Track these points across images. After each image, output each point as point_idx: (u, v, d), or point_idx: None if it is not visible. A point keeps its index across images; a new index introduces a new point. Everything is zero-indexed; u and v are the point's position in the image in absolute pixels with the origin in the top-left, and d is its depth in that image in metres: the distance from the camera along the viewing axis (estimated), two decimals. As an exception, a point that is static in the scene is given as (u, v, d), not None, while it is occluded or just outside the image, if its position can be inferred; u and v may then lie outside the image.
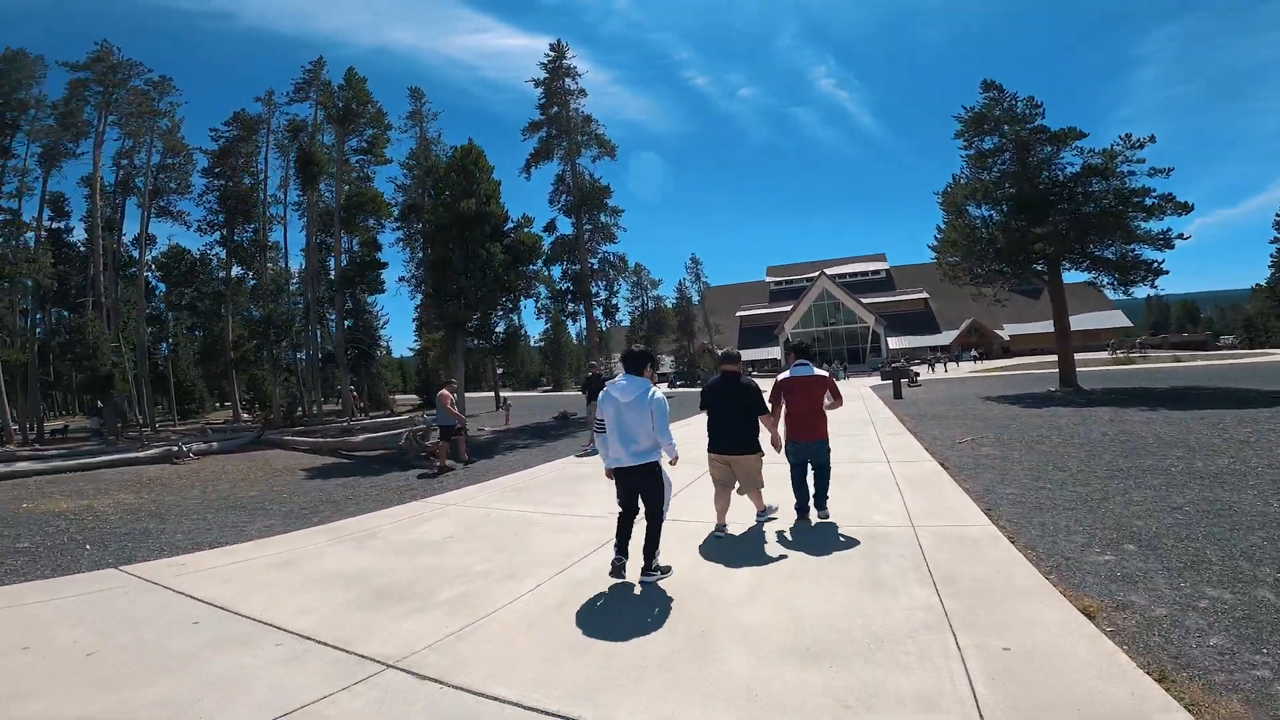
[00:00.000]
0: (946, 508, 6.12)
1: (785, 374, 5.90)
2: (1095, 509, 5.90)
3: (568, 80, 31.44)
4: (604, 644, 3.53)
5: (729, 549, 5.28)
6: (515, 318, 23.64)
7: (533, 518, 6.90)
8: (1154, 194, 19.22)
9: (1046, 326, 69.19)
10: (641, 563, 4.45)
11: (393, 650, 3.56)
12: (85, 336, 23.13)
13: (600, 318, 25.44)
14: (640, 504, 4.57)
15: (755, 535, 5.66)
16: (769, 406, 5.64)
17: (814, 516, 5.85)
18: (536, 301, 22.77)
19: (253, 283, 30.37)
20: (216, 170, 33.10)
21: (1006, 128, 22.17)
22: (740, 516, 5.97)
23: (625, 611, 4.03)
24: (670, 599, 4.16)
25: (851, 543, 5.19)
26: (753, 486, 5.64)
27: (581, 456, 11.69)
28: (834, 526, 5.67)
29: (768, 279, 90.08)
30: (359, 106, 29.39)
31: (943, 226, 23.75)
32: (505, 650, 3.51)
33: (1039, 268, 21.78)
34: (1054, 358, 53.94)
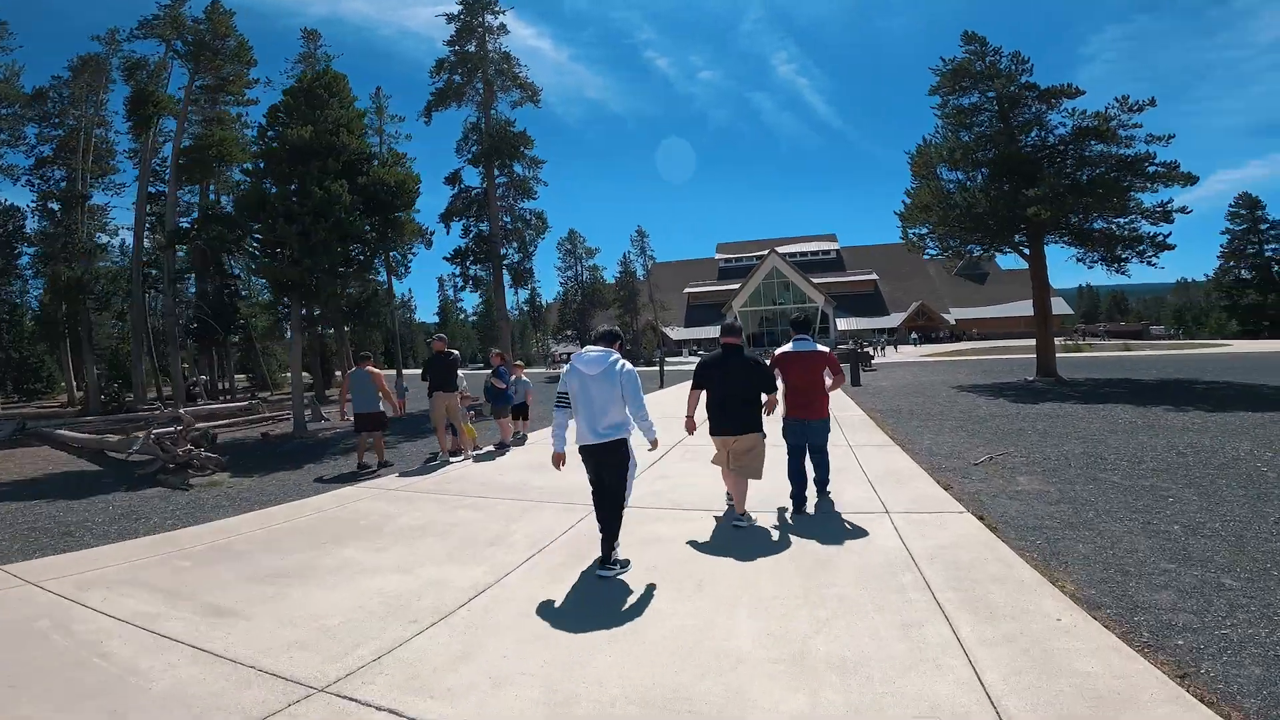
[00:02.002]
0: (1086, 690, 2.48)
1: (784, 348, 5.39)
2: None
3: (488, 16, 26.66)
4: None
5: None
6: (376, 277, 19.10)
7: (82, 664, 2.95)
8: (1156, 161, 16.53)
9: (991, 311, 69.00)
10: (599, 554, 4.06)
11: None
12: None
13: (509, 282, 21.21)
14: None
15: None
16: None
17: (810, 508, 5.23)
18: (404, 255, 18.43)
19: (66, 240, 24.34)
20: (55, 119, 26.93)
21: (989, 83, 19.11)
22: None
23: None
24: None
25: None
26: (747, 472, 4.87)
27: (405, 476, 7.74)
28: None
29: (717, 256, 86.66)
30: (218, 40, 23.76)
31: (912, 191, 20.61)
32: None
33: (1019, 238, 18.91)
34: (1000, 343, 53.17)
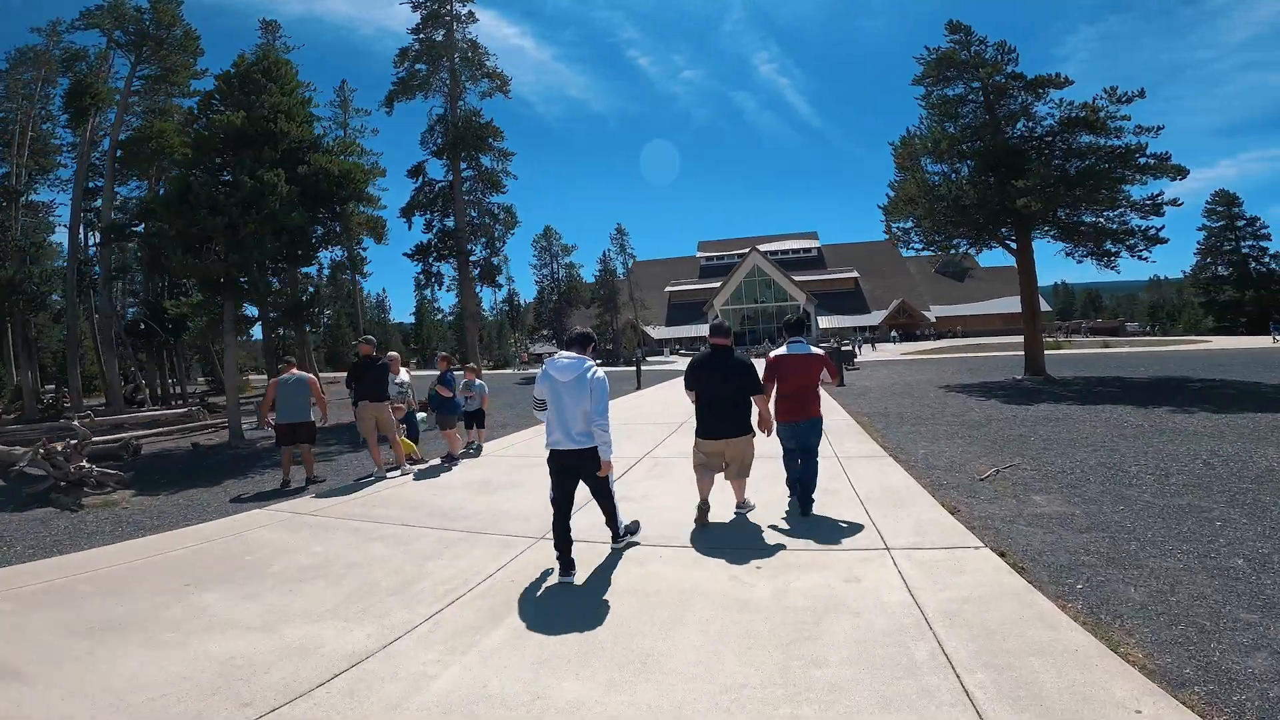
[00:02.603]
0: None
1: (779, 350, 5.21)
2: None
3: (456, 4, 25.43)
4: None
5: None
6: (344, 275, 17.89)
7: None
8: (1147, 153, 15.95)
9: (972, 308, 69.04)
10: (609, 537, 4.32)
11: None
12: None
13: (476, 279, 20.08)
14: (583, 489, 4.11)
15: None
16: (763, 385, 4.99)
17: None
18: (347, 251, 17.20)
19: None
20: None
21: (974, 73, 18.43)
22: (724, 498, 5.09)
23: None
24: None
25: None
26: (742, 473, 4.96)
27: (329, 496, 6.70)
28: None
29: (699, 254, 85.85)
30: (162, 30, 22.30)
31: (897, 183, 19.90)
32: None
33: (1005, 232, 18.27)
34: (979, 340, 52.78)
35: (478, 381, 9.05)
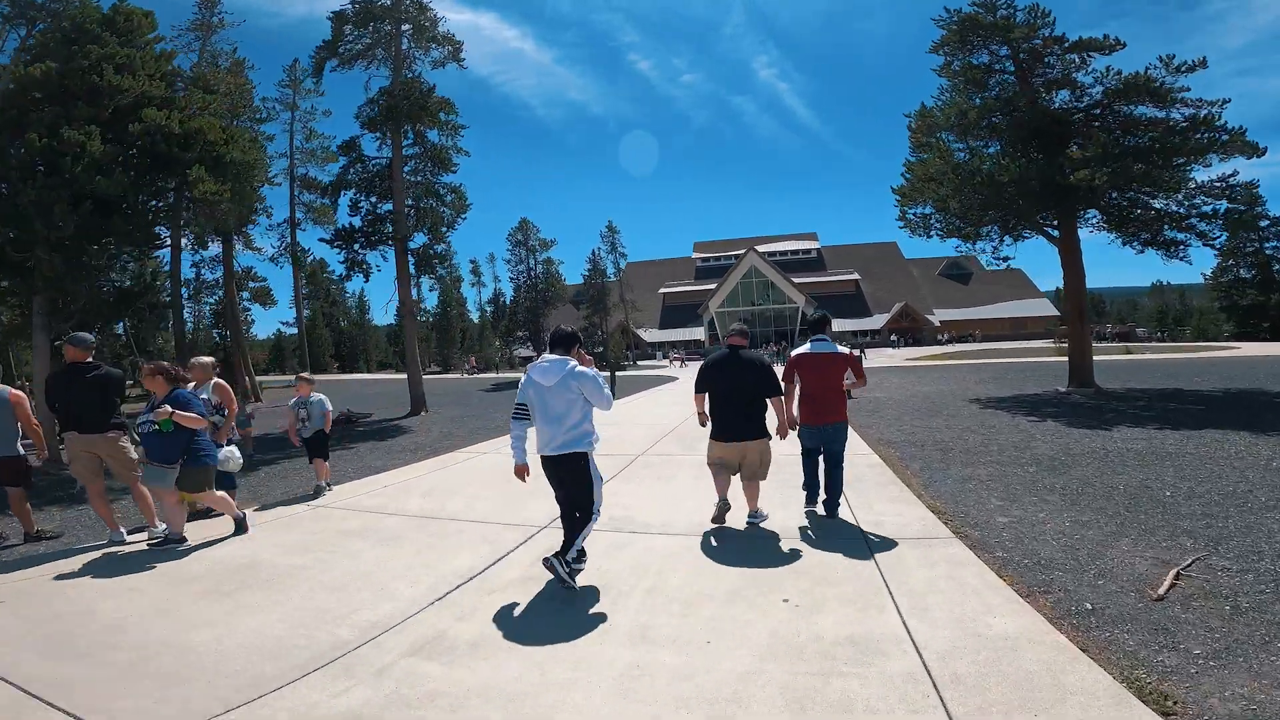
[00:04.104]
0: None
1: (801, 349, 5.01)
2: None
3: (402, -42, 22.38)
4: None
5: None
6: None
7: None
8: (1216, 125, 13.28)
9: (976, 313, 66.23)
10: (560, 548, 3.69)
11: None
12: None
13: (413, 272, 17.18)
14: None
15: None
16: (782, 386, 4.79)
17: (820, 507, 4.90)
18: (200, 232, 14.31)
19: None
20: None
21: (1004, 36, 15.65)
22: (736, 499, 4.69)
23: None
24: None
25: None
26: (756, 478, 4.72)
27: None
28: None
29: (695, 255, 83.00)
30: (59, 2, 19.70)
31: (914, 163, 17.14)
32: None
33: (1045, 218, 15.51)
34: (994, 345, 49.80)
35: (315, 397, 6.16)
